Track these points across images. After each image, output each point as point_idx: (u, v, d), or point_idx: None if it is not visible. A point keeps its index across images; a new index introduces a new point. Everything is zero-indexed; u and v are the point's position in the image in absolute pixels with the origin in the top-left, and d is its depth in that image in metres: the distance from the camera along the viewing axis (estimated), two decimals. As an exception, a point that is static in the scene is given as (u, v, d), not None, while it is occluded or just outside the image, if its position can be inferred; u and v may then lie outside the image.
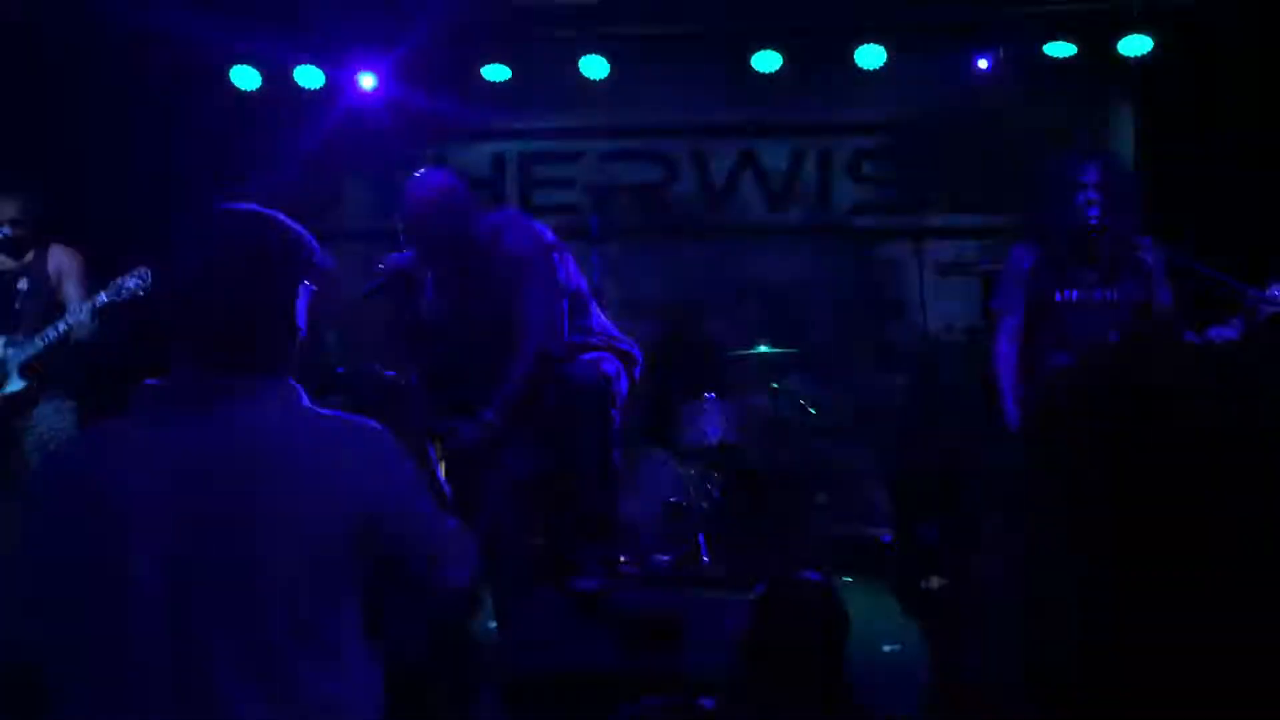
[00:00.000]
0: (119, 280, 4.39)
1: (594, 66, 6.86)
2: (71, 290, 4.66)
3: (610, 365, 3.86)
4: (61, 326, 4.45)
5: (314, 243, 1.86)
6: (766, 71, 6.86)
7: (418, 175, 3.91)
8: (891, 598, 5.03)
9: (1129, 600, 0.89)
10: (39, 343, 4.47)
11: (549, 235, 3.93)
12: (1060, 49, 6.50)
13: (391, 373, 3.84)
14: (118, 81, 6.36)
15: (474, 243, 3.86)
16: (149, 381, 1.71)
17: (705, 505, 5.95)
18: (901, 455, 6.79)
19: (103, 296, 4.40)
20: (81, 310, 4.44)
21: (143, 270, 4.36)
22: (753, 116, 7.34)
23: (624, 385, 3.92)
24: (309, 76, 6.96)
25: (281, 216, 1.83)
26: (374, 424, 1.75)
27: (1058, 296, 3.92)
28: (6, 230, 4.59)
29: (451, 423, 3.85)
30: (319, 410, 1.73)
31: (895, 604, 4.57)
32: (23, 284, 4.63)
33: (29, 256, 4.70)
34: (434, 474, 1.71)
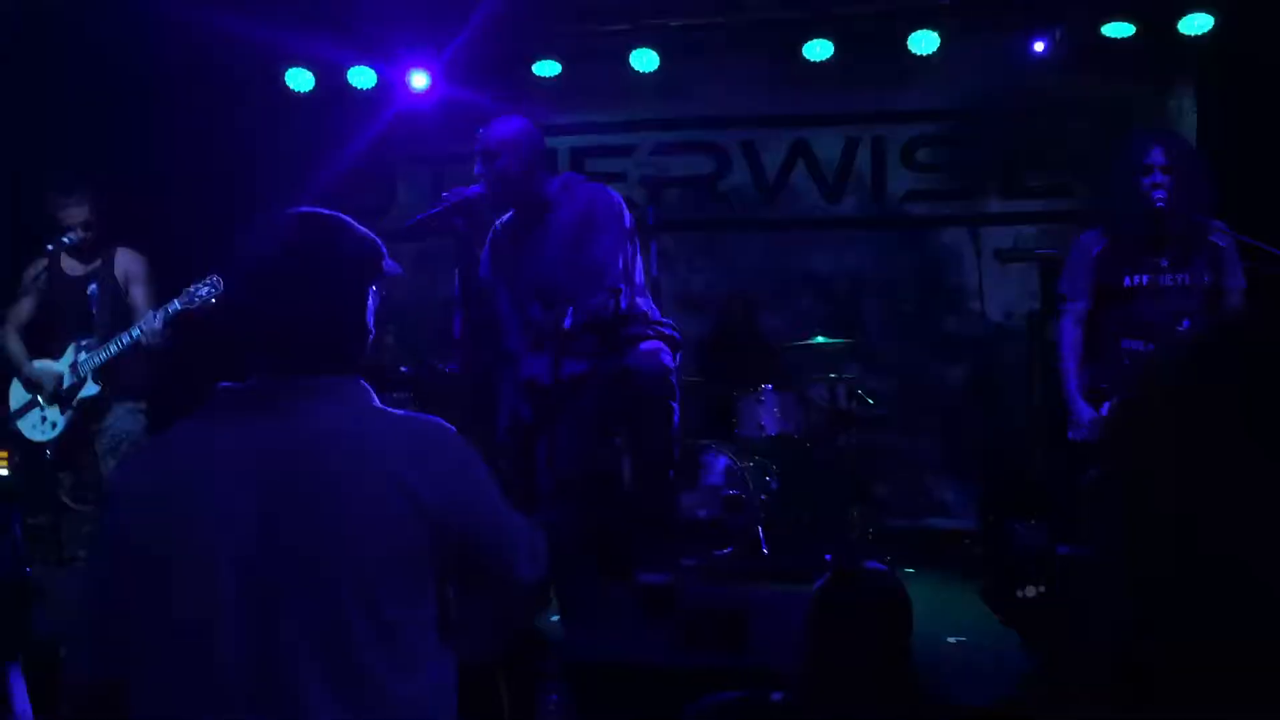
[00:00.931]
0: (191, 288, 4.44)
1: (644, 60, 6.86)
2: (139, 294, 4.74)
3: (668, 356, 3.86)
4: (135, 333, 4.51)
5: (380, 244, 1.87)
6: (817, 60, 6.81)
7: (498, 116, 3.95)
8: (960, 589, 4.99)
9: (1224, 602, 0.86)
10: (112, 348, 4.55)
11: (618, 197, 3.98)
12: (1119, 29, 6.40)
13: (453, 367, 3.85)
14: (182, 86, 6.47)
15: (542, 197, 3.90)
16: (223, 384, 1.73)
17: (764, 498, 5.94)
18: (972, 447, 6.72)
19: (175, 304, 4.45)
20: (154, 318, 4.49)
21: (214, 278, 4.41)
22: (804, 106, 7.29)
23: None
24: (362, 77, 7.03)
25: (348, 219, 1.85)
26: (442, 422, 1.76)
27: (1126, 281, 3.86)
28: (75, 235, 4.66)
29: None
30: (389, 410, 1.75)
31: (985, 609, 4.51)
32: (92, 288, 4.71)
33: (97, 260, 4.77)
34: (500, 468, 1.72)
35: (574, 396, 3.79)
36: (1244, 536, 0.86)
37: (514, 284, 3.95)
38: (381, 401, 1.78)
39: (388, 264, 1.86)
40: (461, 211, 3.75)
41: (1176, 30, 6.31)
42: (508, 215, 4.05)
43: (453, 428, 1.77)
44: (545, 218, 3.92)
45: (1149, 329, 3.80)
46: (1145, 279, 3.86)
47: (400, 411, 1.76)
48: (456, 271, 3.87)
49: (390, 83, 7.05)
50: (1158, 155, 3.79)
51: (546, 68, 7.03)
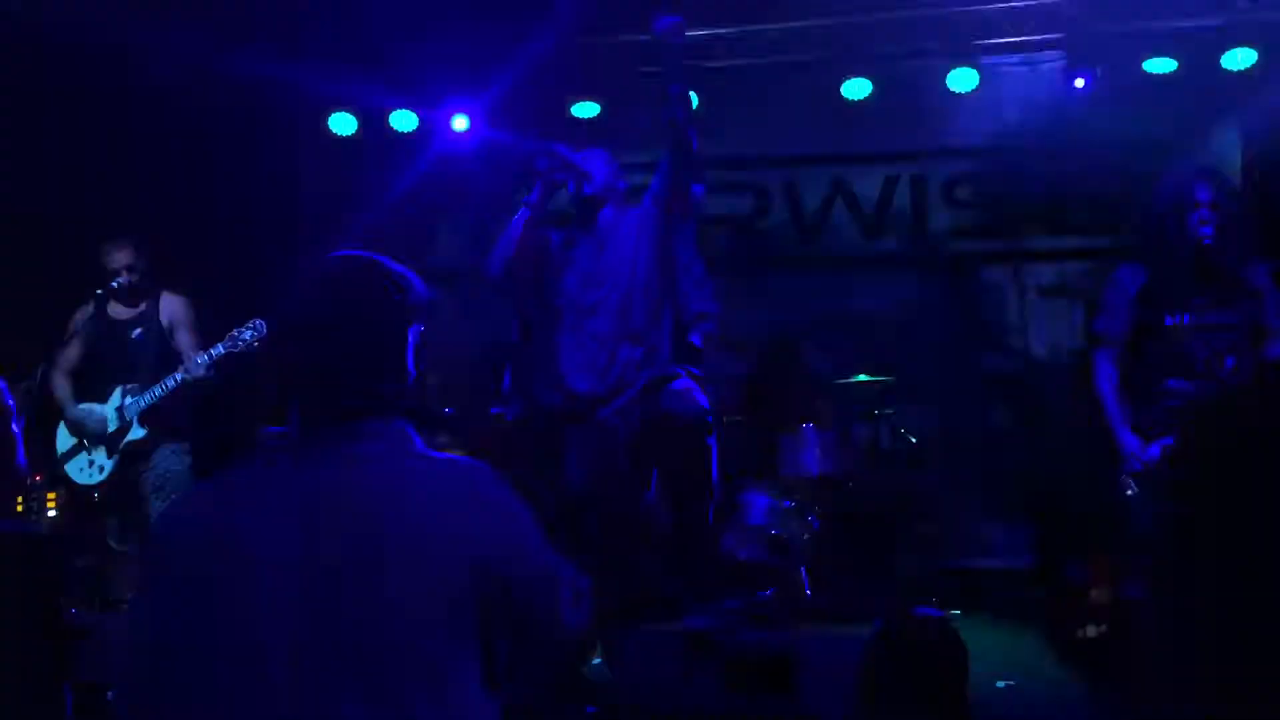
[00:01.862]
0: (235, 332, 4.50)
1: (683, 100, 6.88)
2: (184, 338, 4.79)
3: (700, 394, 3.84)
4: (179, 376, 4.56)
5: (422, 286, 1.88)
6: (857, 99, 6.81)
7: None
8: (1008, 631, 4.90)
9: None
10: (157, 391, 4.60)
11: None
12: (1161, 65, 6.35)
13: (498, 410, 3.86)
14: (226, 131, 6.57)
15: (608, 202, 4.23)
16: (269, 429, 1.74)
17: (806, 538, 5.88)
18: (1018, 486, 6.63)
19: (219, 348, 4.50)
20: (199, 362, 4.53)
21: (257, 322, 4.47)
22: (844, 144, 7.29)
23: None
24: (403, 120, 7.12)
25: (390, 261, 1.86)
26: (487, 467, 1.75)
27: (1169, 319, 3.80)
28: (122, 279, 4.72)
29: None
30: (433, 454, 1.74)
31: (1035, 652, 4.43)
32: (137, 333, 4.76)
33: (142, 305, 4.83)
34: (543, 511, 1.71)
35: (609, 435, 3.78)
36: None
37: (563, 277, 4.06)
38: (425, 445, 1.77)
39: (428, 303, 1.86)
40: (564, 171, 4.05)
41: (1220, 66, 6.25)
42: (563, 234, 4.18)
43: (499, 472, 1.76)
44: (604, 224, 4.18)
45: (1193, 368, 3.73)
46: (1188, 317, 3.80)
47: (443, 455, 1.76)
48: (524, 207, 4.05)
49: (432, 125, 7.13)
50: (1204, 192, 3.74)
51: (585, 109, 7.08)
